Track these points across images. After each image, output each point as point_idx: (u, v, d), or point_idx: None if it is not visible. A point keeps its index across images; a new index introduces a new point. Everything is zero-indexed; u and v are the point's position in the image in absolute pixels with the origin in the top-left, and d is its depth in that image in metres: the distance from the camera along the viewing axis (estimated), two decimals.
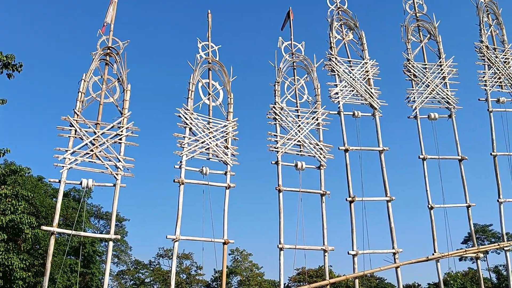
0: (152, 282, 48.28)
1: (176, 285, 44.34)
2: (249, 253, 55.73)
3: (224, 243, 12.69)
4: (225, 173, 13.33)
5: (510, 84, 16.23)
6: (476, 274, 14.47)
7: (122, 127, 12.67)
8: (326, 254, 13.22)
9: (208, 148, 13.28)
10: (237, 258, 54.90)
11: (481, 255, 14.65)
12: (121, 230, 46.02)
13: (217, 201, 13.30)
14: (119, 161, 12.25)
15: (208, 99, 13.99)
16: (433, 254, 13.75)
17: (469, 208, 14.58)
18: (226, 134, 13.70)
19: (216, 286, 47.36)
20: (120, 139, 12.52)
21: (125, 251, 48.38)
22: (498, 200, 14.76)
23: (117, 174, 12.17)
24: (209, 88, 14.10)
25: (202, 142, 13.22)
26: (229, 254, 55.32)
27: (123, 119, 12.83)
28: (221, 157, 13.37)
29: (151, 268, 49.30)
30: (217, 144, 13.38)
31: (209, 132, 13.43)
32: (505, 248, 14.51)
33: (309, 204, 14.33)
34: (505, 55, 16.53)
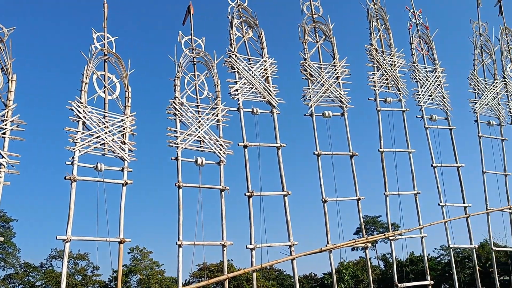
0: (43, 286, 45.53)
1: (71, 287, 42.24)
2: (149, 251, 54.62)
3: (120, 242, 12.29)
4: (122, 170, 12.90)
5: (396, 85, 17.51)
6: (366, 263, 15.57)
7: (6, 120, 11.69)
8: (225, 249, 13.36)
9: (104, 143, 12.75)
10: (137, 257, 53.59)
11: (370, 245, 15.66)
12: (8, 231, 42.82)
13: (114, 199, 12.87)
14: (3, 157, 11.31)
15: (104, 92, 13.41)
16: (326, 246, 14.44)
17: (359, 201, 15.50)
18: (123, 129, 13.26)
19: (113, 286, 45.76)
20: (4, 133, 11.54)
21: (12, 254, 45.00)
22: (384, 193, 15.87)
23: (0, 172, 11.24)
24: (105, 81, 13.52)
25: (97, 137, 12.65)
26: (128, 253, 53.80)
27: (7, 111, 11.83)
28: (118, 153, 12.91)
29: (43, 271, 46.45)
30: (113, 139, 12.89)
31: (104, 127, 12.89)
32: (390, 238, 15.66)
33: (209, 199, 14.39)
34: (392, 58, 17.80)
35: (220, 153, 14.20)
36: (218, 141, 14.29)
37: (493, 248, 18.39)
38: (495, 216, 17.67)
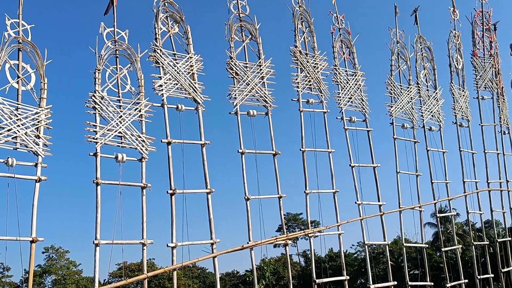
0: None
1: None
2: (65, 250, 52.43)
3: (32, 241, 11.64)
4: (36, 165, 12.19)
5: (318, 87, 18.02)
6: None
7: None
8: (145, 247, 13.08)
9: (16, 137, 11.99)
10: (52, 256, 51.24)
11: (290, 241, 16.06)
12: None
13: (27, 196, 12.16)
14: None
15: (17, 82, 12.60)
16: (248, 243, 14.58)
17: (281, 199, 15.79)
18: (38, 122, 12.53)
19: (25, 287, 43.33)
20: None
21: None
22: (305, 192, 16.28)
23: None
24: (18, 71, 12.71)
25: (8, 130, 11.88)
26: (43, 253, 51.24)
27: None
28: (31, 147, 12.20)
29: None
30: (26, 132, 12.15)
31: (17, 119, 12.12)
32: (309, 235, 16.12)
33: (129, 197, 14.01)
34: (315, 61, 18.30)
35: (142, 150, 13.87)
36: (140, 137, 13.95)
37: (404, 244, 19.51)
38: (406, 214, 18.75)
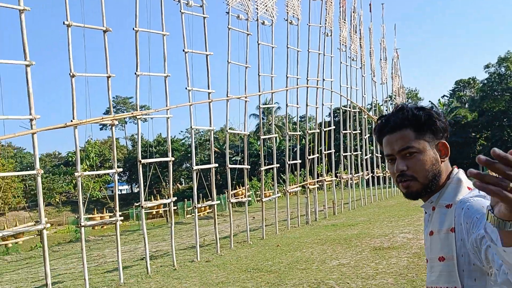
0: None
1: None
2: None
3: None
4: None
5: None
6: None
7: None
8: None
9: None
10: None
11: (117, 122, 15.82)
12: None
13: None
14: None
15: None
16: (71, 121, 13.97)
17: (109, 79, 15.20)
18: None
19: None
20: None
21: None
22: (136, 73, 15.85)
23: None
24: None
25: None
26: None
27: None
28: None
29: None
30: None
31: None
32: (138, 117, 16.09)
33: None
34: None
35: None
36: None
37: (228, 131, 20.79)
38: (233, 104, 19.80)
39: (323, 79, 26.48)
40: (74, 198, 71.93)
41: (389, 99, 44.41)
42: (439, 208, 1.95)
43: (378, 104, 43.21)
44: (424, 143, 1.96)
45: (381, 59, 40.98)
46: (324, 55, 26.50)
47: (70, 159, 68.22)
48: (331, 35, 27.71)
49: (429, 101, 75.71)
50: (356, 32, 32.69)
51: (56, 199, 69.08)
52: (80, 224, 13.30)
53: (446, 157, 2.02)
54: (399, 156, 1.98)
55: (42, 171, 13.04)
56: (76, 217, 40.06)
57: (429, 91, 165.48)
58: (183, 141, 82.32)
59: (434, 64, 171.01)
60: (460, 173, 2.04)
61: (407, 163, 1.95)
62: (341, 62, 29.48)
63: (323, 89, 26.50)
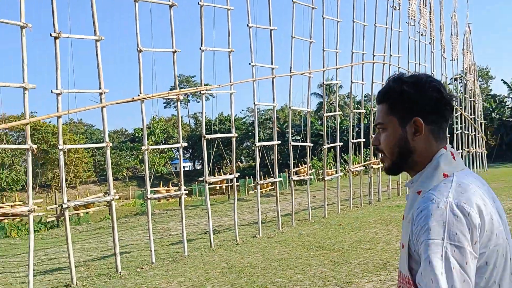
0: None
1: None
2: None
3: None
4: None
5: None
6: (177, 120, 15.90)
7: None
8: (26, 92, 12.18)
9: None
10: None
11: (182, 97, 15.96)
12: None
13: None
14: None
15: None
16: (138, 95, 14.22)
17: (175, 54, 15.30)
18: None
19: None
20: None
21: None
22: (200, 48, 15.82)
23: None
24: None
25: None
26: None
27: None
28: None
29: None
30: None
31: None
32: (202, 92, 16.13)
33: (6, 38, 12.65)
34: None
35: None
36: None
37: (291, 108, 20.45)
38: (296, 81, 19.41)
39: (390, 55, 25.46)
40: (140, 173, 74.70)
41: (460, 76, 42.18)
42: (412, 194, 1.85)
43: (447, 81, 41.22)
44: (393, 119, 1.86)
45: (452, 34, 38.80)
46: (391, 29, 25.43)
47: (136, 135, 70.66)
48: (399, 9, 26.49)
49: (501, 79, 71.36)
50: (425, 5, 31.02)
51: (123, 174, 72.05)
52: (147, 197, 13.63)
53: (419, 135, 1.82)
54: (376, 130, 1.96)
55: (111, 144, 13.43)
56: (143, 190, 41.45)
57: (503, 70, 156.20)
58: (244, 119, 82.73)
59: (509, 41, 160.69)
60: (442, 156, 1.82)
61: (380, 138, 1.92)
62: (409, 37, 28.15)
63: (390, 65, 25.49)
